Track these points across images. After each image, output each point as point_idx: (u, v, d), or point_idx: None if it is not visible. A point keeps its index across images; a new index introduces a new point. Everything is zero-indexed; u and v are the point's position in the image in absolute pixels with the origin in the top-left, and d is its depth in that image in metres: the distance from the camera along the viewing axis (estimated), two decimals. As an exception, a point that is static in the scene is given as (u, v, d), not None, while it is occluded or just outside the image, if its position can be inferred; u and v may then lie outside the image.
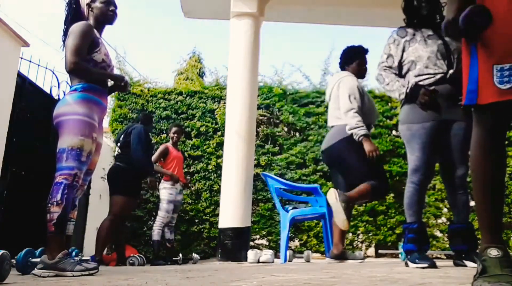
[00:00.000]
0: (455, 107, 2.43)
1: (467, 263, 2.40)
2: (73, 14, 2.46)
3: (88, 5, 2.46)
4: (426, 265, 2.32)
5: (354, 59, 3.51)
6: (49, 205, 2.10)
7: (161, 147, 5.05)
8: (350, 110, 3.24)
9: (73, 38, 2.28)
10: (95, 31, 2.41)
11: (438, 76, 2.47)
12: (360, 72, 3.53)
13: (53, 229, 2.08)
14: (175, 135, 5.14)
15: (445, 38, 2.55)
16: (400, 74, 2.60)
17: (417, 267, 2.33)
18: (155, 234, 4.84)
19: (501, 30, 1.26)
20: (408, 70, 2.58)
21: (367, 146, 3.15)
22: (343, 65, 3.56)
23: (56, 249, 2.06)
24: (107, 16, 2.47)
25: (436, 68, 2.48)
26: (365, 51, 3.56)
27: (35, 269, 2.06)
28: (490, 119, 1.30)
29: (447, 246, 6.15)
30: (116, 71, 6.89)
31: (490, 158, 1.31)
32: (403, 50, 2.60)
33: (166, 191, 4.94)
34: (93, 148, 2.29)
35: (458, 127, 2.46)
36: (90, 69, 2.31)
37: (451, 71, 2.46)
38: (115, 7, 2.51)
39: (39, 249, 2.34)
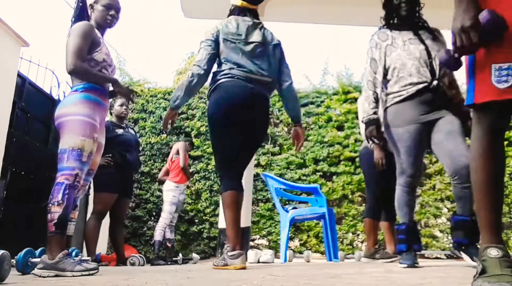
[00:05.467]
0: (438, 110, 2.48)
1: (465, 256, 2.39)
2: (79, 12, 2.46)
3: (91, 5, 2.46)
4: (405, 265, 2.36)
5: None
6: (50, 205, 2.11)
7: (184, 146, 5.17)
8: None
9: (73, 38, 2.28)
10: (96, 30, 2.41)
11: (421, 86, 2.48)
12: None
13: (53, 229, 2.08)
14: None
15: (425, 41, 2.57)
16: (385, 79, 2.63)
17: (400, 267, 2.36)
18: (157, 235, 4.86)
19: None
20: (392, 78, 2.60)
21: (375, 154, 3.49)
22: None
23: (57, 249, 2.06)
24: (106, 20, 2.46)
25: (420, 76, 2.49)
26: None
27: (35, 269, 2.06)
28: (488, 119, 1.30)
29: (447, 246, 6.15)
30: (116, 71, 6.87)
31: (489, 158, 1.31)
32: (385, 55, 2.62)
33: (170, 193, 4.97)
34: (94, 148, 2.29)
35: (443, 122, 2.46)
36: (89, 71, 2.30)
37: (434, 82, 2.47)
38: (116, 11, 2.49)
39: (39, 249, 2.34)
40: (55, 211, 2.09)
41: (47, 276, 1.99)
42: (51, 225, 2.08)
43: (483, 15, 1.23)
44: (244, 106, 2.45)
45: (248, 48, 2.57)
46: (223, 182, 2.56)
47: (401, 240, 2.51)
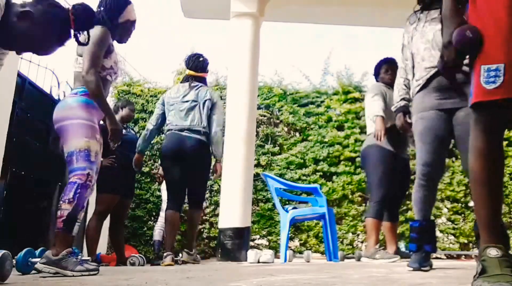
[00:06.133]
0: (457, 95, 2.27)
1: None
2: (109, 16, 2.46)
3: (126, 22, 2.53)
4: (410, 268, 2.22)
5: (378, 70, 3.94)
6: (61, 202, 2.14)
7: None
8: (372, 103, 3.67)
9: (93, 45, 2.28)
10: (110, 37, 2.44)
11: (432, 72, 2.33)
12: (385, 79, 3.88)
13: (61, 226, 2.10)
14: None
15: None
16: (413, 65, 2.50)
17: (408, 269, 2.25)
18: (156, 234, 4.85)
19: (490, 31, 1.27)
20: (414, 64, 2.45)
21: (376, 125, 3.51)
22: (376, 78, 4.00)
23: (62, 245, 2.08)
24: (126, 38, 2.59)
25: (432, 60, 2.33)
26: (384, 61, 3.93)
27: (38, 263, 2.07)
28: (485, 119, 1.31)
29: (447, 246, 6.15)
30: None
31: (487, 158, 1.31)
32: (412, 39, 2.48)
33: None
34: (99, 148, 2.31)
35: (464, 114, 2.24)
36: (98, 88, 2.28)
37: None
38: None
39: (39, 249, 2.34)
40: (65, 208, 2.11)
41: (48, 272, 2.01)
42: (59, 221, 2.11)
43: (454, 36, 1.30)
44: (177, 150, 3.52)
45: (183, 106, 3.61)
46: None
47: (412, 238, 2.36)
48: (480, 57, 1.28)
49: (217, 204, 5.91)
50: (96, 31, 2.31)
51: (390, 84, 3.87)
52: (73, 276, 1.98)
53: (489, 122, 1.31)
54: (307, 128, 6.59)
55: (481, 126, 1.32)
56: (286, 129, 6.70)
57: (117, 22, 2.49)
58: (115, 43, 2.55)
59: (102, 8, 2.47)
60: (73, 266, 2.02)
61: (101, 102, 2.31)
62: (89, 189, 2.22)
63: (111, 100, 6.79)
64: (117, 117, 4.25)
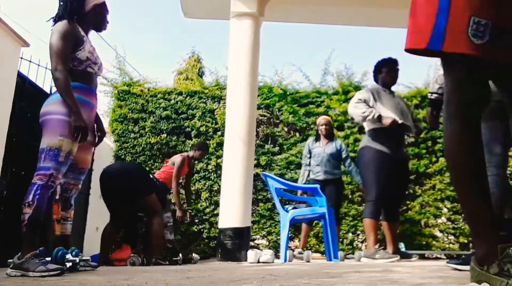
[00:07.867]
0: None
1: None
2: (69, 8, 2.39)
3: (94, 7, 2.46)
4: None
5: (379, 69, 3.94)
6: (22, 206, 2.11)
7: (182, 161, 4.86)
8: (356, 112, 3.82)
9: (56, 40, 2.27)
10: (80, 28, 2.39)
11: None
12: (386, 79, 3.92)
13: (24, 230, 2.08)
14: (200, 154, 5.19)
15: None
16: None
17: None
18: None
19: None
20: None
21: (385, 122, 3.64)
22: (374, 78, 4.03)
23: (27, 249, 2.06)
24: (103, 26, 2.56)
25: None
26: (386, 60, 3.93)
27: (9, 268, 2.07)
28: (470, 88, 1.17)
29: (447, 246, 6.15)
30: (116, 71, 6.73)
31: (469, 138, 1.18)
32: None
33: None
34: (74, 148, 2.28)
35: None
36: (63, 86, 2.25)
37: None
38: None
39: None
40: (26, 212, 2.09)
41: (15, 275, 2.00)
42: (22, 226, 2.09)
43: None
44: None
45: None
46: None
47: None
48: (471, 6, 1.16)
49: (217, 204, 5.91)
50: (57, 26, 2.30)
51: (388, 86, 3.88)
52: (34, 276, 1.95)
53: (475, 93, 1.19)
54: (307, 128, 6.59)
55: (465, 97, 1.19)
56: (286, 129, 6.70)
57: (84, 12, 2.43)
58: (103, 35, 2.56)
59: (62, 3, 2.42)
60: (34, 267, 1.99)
61: (68, 98, 2.24)
62: (51, 190, 2.20)
63: (111, 100, 6.80)
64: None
